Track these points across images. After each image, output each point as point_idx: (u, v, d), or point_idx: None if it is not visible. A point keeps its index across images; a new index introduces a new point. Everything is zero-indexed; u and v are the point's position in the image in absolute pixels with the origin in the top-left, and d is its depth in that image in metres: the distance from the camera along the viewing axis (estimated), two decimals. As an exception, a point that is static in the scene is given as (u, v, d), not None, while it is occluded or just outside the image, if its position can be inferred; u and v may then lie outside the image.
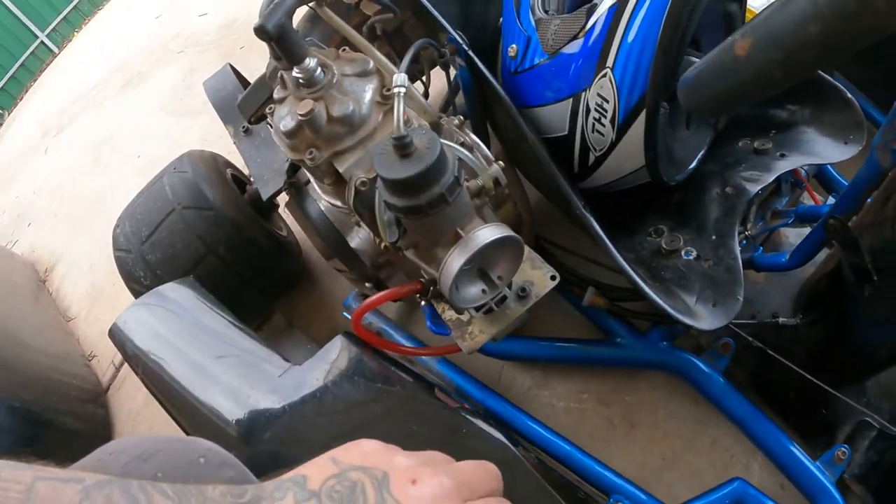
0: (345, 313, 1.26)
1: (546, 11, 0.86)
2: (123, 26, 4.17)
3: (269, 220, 1.38)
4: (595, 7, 0.78)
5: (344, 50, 0.81)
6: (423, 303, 0.74)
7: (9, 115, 4.80)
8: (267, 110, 0.81)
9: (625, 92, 0.77)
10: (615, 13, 0.75)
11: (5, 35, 5.57)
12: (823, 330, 0.83)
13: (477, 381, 1.02)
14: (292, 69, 0.74)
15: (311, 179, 0.96)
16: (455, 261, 0.60)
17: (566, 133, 0.86)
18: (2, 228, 2.81)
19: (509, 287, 0.72)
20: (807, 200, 1.00)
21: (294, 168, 1.03)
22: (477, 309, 0.72)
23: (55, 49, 5.68)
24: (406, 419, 0.74)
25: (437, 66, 0.95)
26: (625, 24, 0.74)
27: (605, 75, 0.77)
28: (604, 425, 0.99)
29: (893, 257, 0.63)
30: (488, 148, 0.80)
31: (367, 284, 1.02)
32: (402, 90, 0.63)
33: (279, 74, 0.80)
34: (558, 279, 0.72)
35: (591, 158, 0.86)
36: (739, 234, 0.83)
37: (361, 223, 0.81)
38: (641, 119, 0.77)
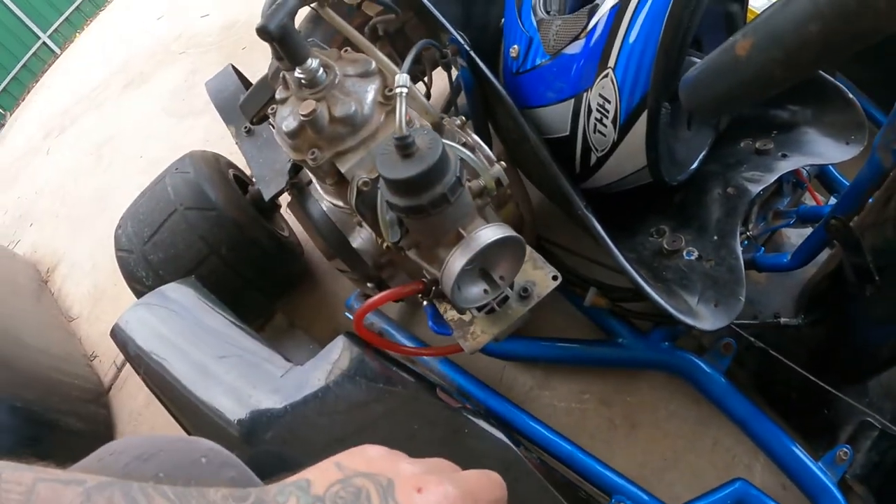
0: (346, 313, 1.26)
1: (548, 12, 0.86)
2: (125, 27, 4.18)
3: (271, 221, 1.39)
4: (597, 8, 0.78)
5: (346, 50, 0.81)
6: (425, 303, 0.74)
7: (11, 115, 4.81)
8: (269, 111, 0.82)
9: (626, 92, 0.77)
10: (617, 14, 0.75)
11: (7, 36, 5.58)
12: (825, 330, 0.83)
13: (478, 381, 1.02)
14: (294, 70, 0.74)
15: (313, 180, 0.96)
16: (457, 261, 0.60)
17: (568, 133, 0.86)
18: (4, 229, 2.81)
19: (511, 287, 0.72)
20: (808, 201, 1.00)
21: (296, 168, 1.03)
22: (479, 309, 0.72)
23: (57, 50, 5.69)
24: (408, 419, 0.74)
25: (439, 67, 0.95)
26: (626, 25, 0.74)
27: (606, 76, 0.77)
28: (605, 425, 0.99)
29: (895, 257, 0.63)
30: (490, 148, 0.80)
31: (368, 284, 1.02)
32: (405, 90, 0.63)
33: (281, 75, 0.80)
34: (560, 279, 0.72)
35: (593, 159, 0.86)
36: (741, 234, 0.83)
37: (363, 223, 0.81)
38: (643, 119, 0.77)
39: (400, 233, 0.69)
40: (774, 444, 0.81)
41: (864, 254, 0.65)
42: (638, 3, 0.73)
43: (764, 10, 0.53)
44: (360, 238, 0.95)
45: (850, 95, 0.90)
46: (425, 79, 1.16)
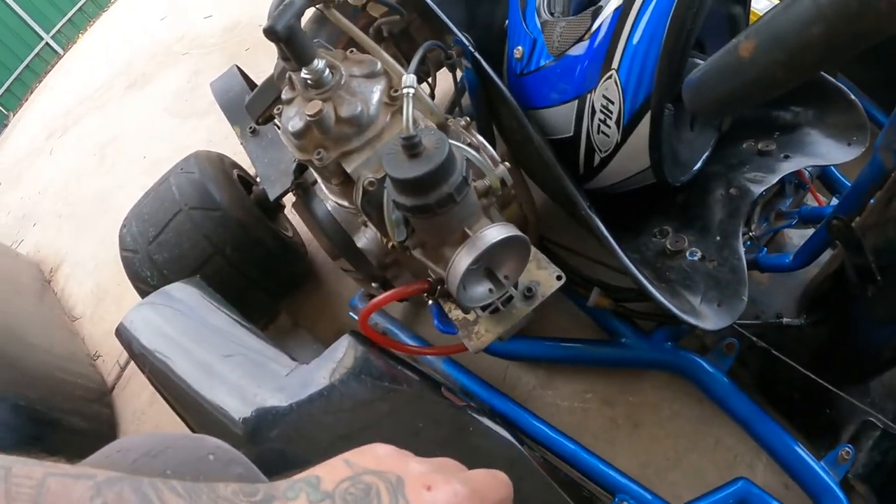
0: (351, 313, 1.26)
1: (552, 13, 0.87)
2: (128, 28, 4.18)
3: (275, 221, 1.39)
4: (600, 9, 0.78)
5: (351, 51, 0.82)
6: (430, 302, 0.74)
7: (14, 116, 4.82)
8: (275, 111, 0.82)
9: (630, 93, 0.77)
10: (620, 15, 0.75)
11: (10, 37, 5.59)
12: (827, 330, 0.84)
13: (482, 380, 1.03)
14: (301, 70, 0.74)
15: (319, 180, 0.97)
16: (463, 260, 0.61)
17: (571, 134, 0.86)
18: (7, 229, 2.82)
19: (515, 287, 0.72)
20: (810, 201, 1.01)
21: (301, 168, 1.03)
22: (483, 308, 0.72)
23: (60, 51, 5.69)
24: (413, 417, 0.74)
25: (444, 68, 0.96)
26: (630, 26, 0.75)
27: (610, 77, 0.78)
28: (608, 425, 0.99)
29: (897, 257, 0.64)
30: (494, 149, 0.80)
31: (373, 284, 1.02)
32: (412, 91, 0.63)
33: (287, 75, 0.81)
34: (564, 279, 0.73)
35: (597, 159, 0.87)
36: (743, 234, 0.84)
37: (369, 223, 0.81)
38: (646, 120, 0.78)
39: (406, 232, 0.70)
40: (777, 443, 0.81)
41: (866, 254, 0.65)
42: (641, 4, 0.73)
43: (766, 12, 0.53)
44: (365, 238, 0.96)
45: (852, 96, 0.90)
46: (429, 79, 1.17)
